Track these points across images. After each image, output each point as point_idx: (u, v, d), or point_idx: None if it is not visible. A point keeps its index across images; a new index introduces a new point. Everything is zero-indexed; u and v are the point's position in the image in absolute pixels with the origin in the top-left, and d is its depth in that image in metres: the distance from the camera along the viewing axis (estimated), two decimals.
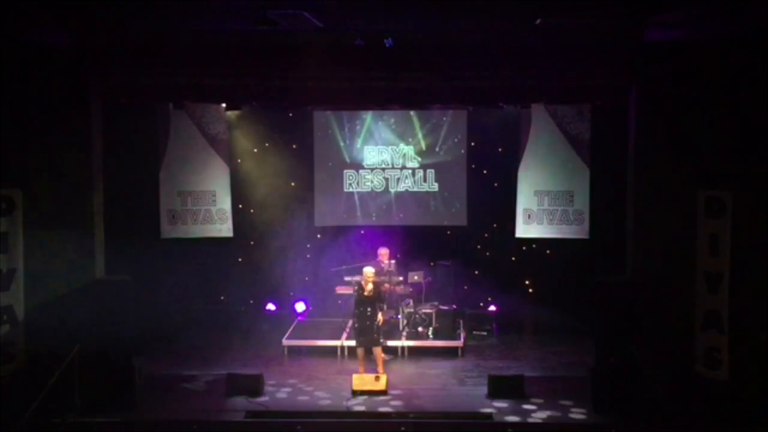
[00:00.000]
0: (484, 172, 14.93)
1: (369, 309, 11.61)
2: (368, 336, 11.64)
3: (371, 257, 14.25)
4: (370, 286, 11.62)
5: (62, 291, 10.46)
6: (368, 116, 14.97)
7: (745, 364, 9.94)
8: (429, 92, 11.47)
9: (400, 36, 10.45)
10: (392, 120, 14.95)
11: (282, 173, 14.98)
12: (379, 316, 11.67)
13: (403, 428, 9.93)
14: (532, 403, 10.71)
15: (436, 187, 15.06)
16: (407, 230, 14.88)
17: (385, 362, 12.51)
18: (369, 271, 11.82)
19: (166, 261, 13.59)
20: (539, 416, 10.36)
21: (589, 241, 13.83)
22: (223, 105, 13.69)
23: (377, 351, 11.73)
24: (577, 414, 10.44)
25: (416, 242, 14.60)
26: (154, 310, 12.65)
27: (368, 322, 11.62)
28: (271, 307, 14.85)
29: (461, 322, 13.85)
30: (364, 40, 10.47)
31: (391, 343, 12.91)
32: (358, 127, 15.04)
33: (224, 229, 14.47)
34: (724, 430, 9.81)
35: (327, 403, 10.89)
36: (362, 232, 14.99)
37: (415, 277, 13.83)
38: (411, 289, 13.83)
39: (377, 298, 11.70)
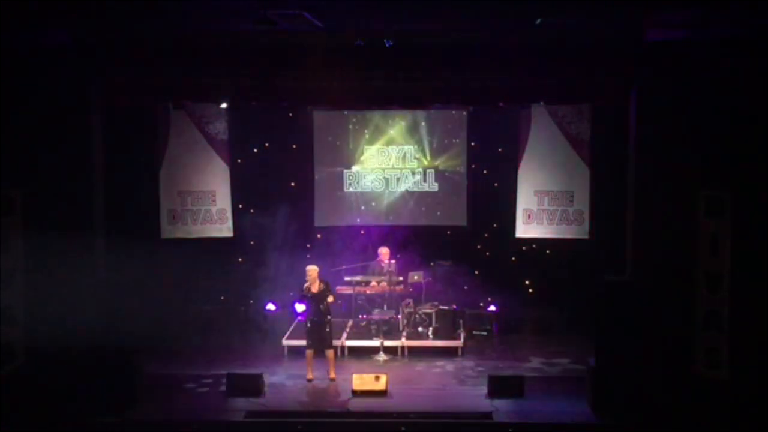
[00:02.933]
0: (484, 172, 14.93)
1: (316, 309, 11.60)
2: (317, 338, 11.63)
3: (371, 257, 14.29)
4: (315, 285, 11.55)
5: (62, 291, 10.44)
6: (368, 116, 14.97)
7: (745, 364, 9.93)
8: (429, 92, 11.47)
9: (400, 36, 10.44)
10: (392, 120, 14.94)
11: (282, 173, 14.97)
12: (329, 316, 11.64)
13: (403, 428, 9.93)
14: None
15: (436, 187, 15.05)
16: (407, 230, 14.87)
17: (386, 362, 12.56)
18: (312, 269, 11.69)
19: (166, 261, 13.58)
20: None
21: (589, 241, 13.83)
22: (223, 105, 13.69)
23: (329, 353, 11.75)
24: (577, 414, 10.45)
25: (416, 242, 14.59)
26: (154, 310, 12.63)
27: (318, 323, 11.59)
28: (271, 307, 14.84)
29: (461, 322, 13.85)
30: (364, 40, 10.46)
31: (391, 343, 12.93)
32: (357, 127, 15.04)
33: (224, 229, 14.47)
34: (724, 430, 9.81)
35: (327, 403, 10.89)
36: (362, 232, 15.00)
37: (415, 277, 13.84)
38: (411, 289, 13.84)
39: (324, 297, 11.60)
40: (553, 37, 10.35)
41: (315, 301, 11.59)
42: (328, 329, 11.71)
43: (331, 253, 14.40)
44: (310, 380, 11.64)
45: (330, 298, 11.61)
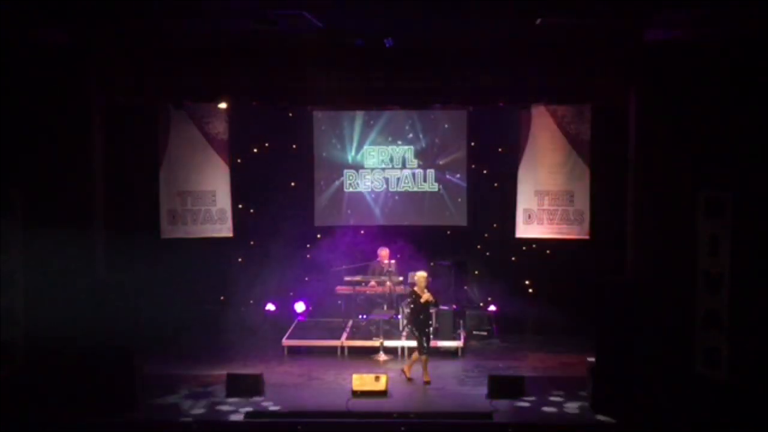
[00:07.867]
0: (484, 172, 14.93)
1: (426, 315, 11.78)
2: (429, 343, 11.77)
3: (371, 257, 14.28)
4: (426, 293, 11.67)
5: (62, 291, 10.44)
6: (368, 116, 14.96)
7: (745, 364, 9.93)
8: (429, 92, 11.46)
9: (400, 36, 10.44)
10: (392, 120, 14.93)
11: (282, 173, 14.97)
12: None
13: (403, 428, 9.93)
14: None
15: (436, 187, 15.05)
16: (407, 230, 14.87)
17: (385, 362, 12.59)
18: (422, 275, 11.80)
19: (166, 261, 13.58)
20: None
21: (589, 241, 13.83)
22: (223, 105, 13.68)
23: (424, 358, 11.78)
24: (576, 414, 10.45)
25: (416, 242, 14.59)
26: (154, 310, 12.63)
27: (429, 329, 11.80)
28: (271, 307, 14.84)
29: (461, 322, 13.85)
30: (364, 40, 10.46)
31: (391, 343, 12.94)
32: (357, 127, 15.03)
33: (224, 229, 14.46)
34: (724, 430, 9.81)
35: (327, 403, 10.89)
36: (362, 232, 14.98)
37: (415, 277, 13.80)
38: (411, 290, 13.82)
39: (432, 302, 11.81)
40: (553, 37, 10.35)
41: (424, 308, 11.70)
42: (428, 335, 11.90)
43: (330, 253, 14.39)
44: (427, 383, 11.64)
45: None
